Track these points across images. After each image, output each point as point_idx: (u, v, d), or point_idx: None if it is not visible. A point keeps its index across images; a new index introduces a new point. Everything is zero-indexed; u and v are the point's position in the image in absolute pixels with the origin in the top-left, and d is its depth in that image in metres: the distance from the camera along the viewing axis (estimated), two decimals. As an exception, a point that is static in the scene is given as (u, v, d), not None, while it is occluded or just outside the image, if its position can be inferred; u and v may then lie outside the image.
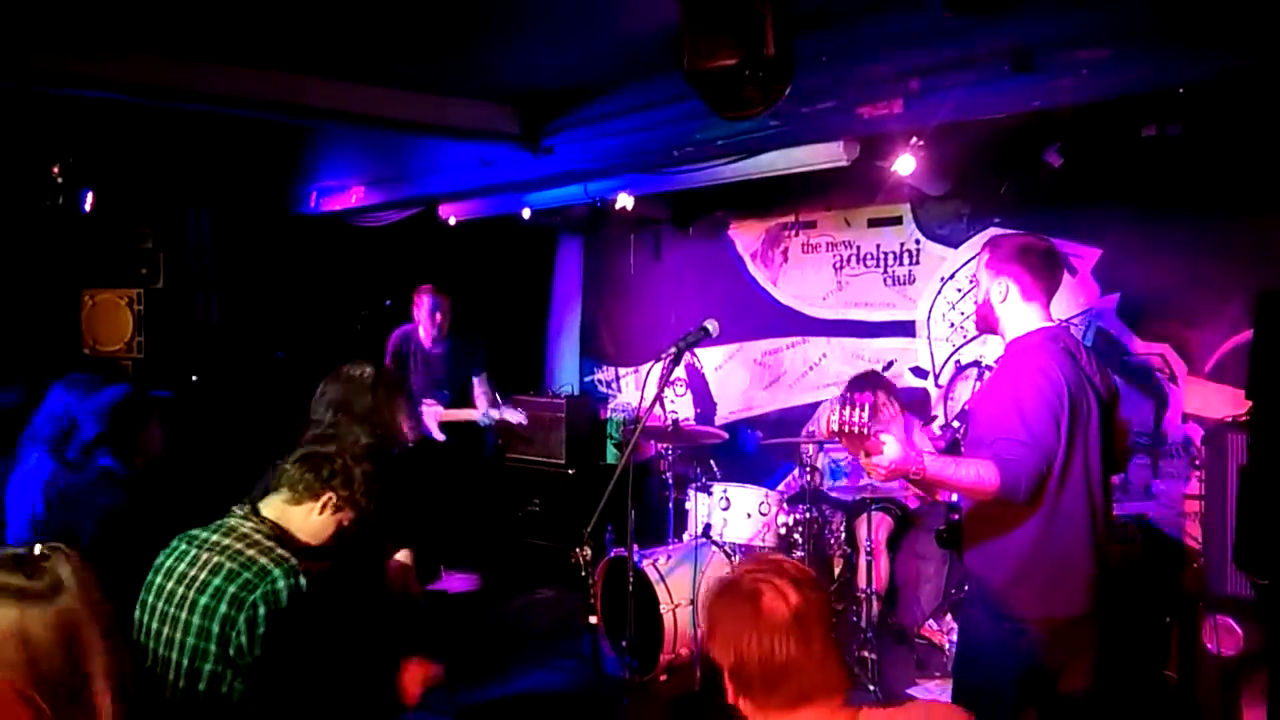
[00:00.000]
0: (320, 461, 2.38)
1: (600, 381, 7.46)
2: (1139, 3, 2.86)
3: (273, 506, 2.37)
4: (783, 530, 4.76)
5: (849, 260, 6.01)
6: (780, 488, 5.25)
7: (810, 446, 4.90)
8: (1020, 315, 2.69)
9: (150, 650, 2.18)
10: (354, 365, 2.96)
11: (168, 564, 2.27)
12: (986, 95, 3.23)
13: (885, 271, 5.85)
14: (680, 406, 6.68)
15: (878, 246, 5.88)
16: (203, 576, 2.18)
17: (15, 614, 1.34)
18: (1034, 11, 2.99)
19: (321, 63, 4.03)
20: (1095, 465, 2.59)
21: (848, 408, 2.36)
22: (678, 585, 4.37)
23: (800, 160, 4.30)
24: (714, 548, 4.61)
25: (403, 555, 3.09)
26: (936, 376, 5.62)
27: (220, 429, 5.45)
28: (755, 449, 6.28)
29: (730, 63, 2.66)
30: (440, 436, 5.73)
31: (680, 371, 6.76)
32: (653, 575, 4.37)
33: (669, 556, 4.57)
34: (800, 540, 4.73)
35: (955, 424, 2.82)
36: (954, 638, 4.15)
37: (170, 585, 2.21)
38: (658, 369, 3.16)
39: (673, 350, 3.25)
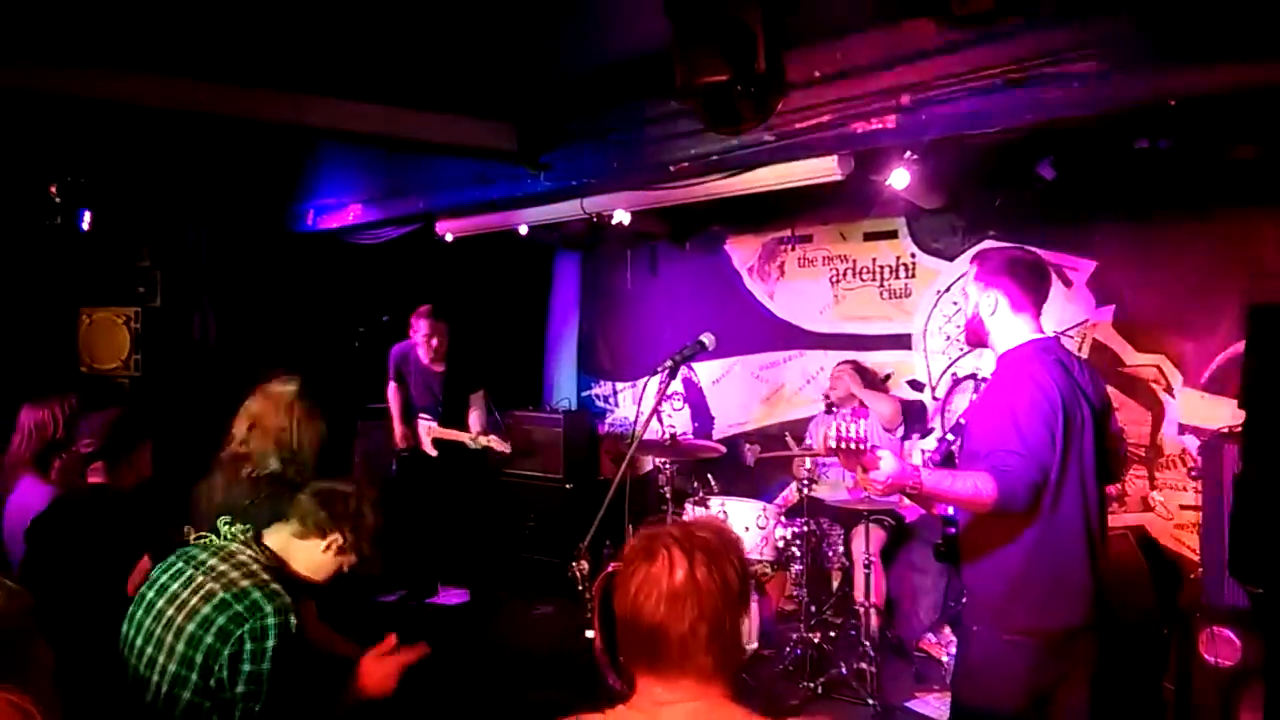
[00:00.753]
0: (336, 500, 2.36)
1: (598, 396, 7.46)
2: (1130, 17, 2.89)
3: (278, 537, 2.34)
4: (780, 543, 4.75)
5: (845, 274, 6.03)
6: (778, 501, 5.25)
7: (805, 460, 4.90)
8: (1011, 327, 2.71)
9: (132, 667, 2.14)
10: (280, 381, 2.75)
11: (162, 580, 2.22)
12: (979, 109, 3.25)
13: (881, 285, 5.87)
14: (678, 421, 6.68)
15: (874, 260, 5.90)
16: (194, 602, 2.12)
17: None
18: (1026, 25, 3.02)
19: (320, 80, 4.05)
20: (1090, 475, 2.59)
21: (844, 424, 2.37)
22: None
23: (795, 175, 4.32)
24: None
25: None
26: (933, 389, 5.64)
27: (215, 447, 5.44)
28: (753, 463, 6.28)
29: (722, 78, 2.69)
30: (433, 452, 5.75)
31: (678, 385, 6.78)
32: (651, 590, 4.35)
33: (667, 571, 4.55)
34: (798, 553, 4.73)
35: (950, 436, 2.83)
36: (953, 650, 4.14)
37: (161, 604, 2.17)
38: (655, 383, 3.17)
39: (669, 364, 3.26)
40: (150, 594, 2.22)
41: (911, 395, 5.70)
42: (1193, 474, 4.55)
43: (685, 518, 1.37)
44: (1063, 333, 4.98)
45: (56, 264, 5.42)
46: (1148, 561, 4.12)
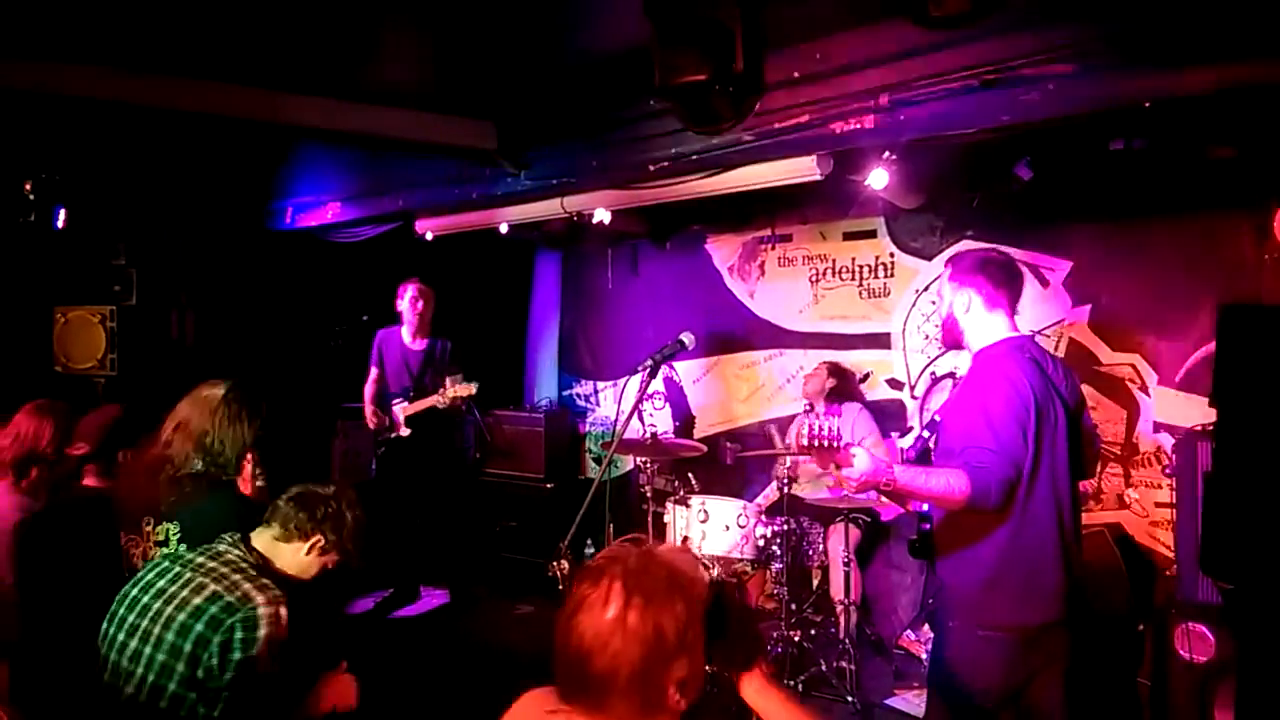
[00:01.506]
0: (315, 502, 2.40)
1: (579, 395, 7.46)
2: (1105, 19, 2.92)
3: (263, 540, 2.38)
4: (761, 542, 4.77)
5: (825, 273, 6.06)
6: (759, 500, 5.26)
7: (785, 459, 4.92)
8: (985, 326, 2.74)
9: (113, 663, 2.16)
10: (211, 384, 2.71)
11: (148, 578, 2.25)
12: (956, 110, 3.28)
13: (860, 284, 5.90)
14: (659, 420, 6.69)
15: (853, 260, 5.93)
16: (184, 594, 2.16)
17: None
18: (1002, 27, 3.05)
19: (298, 78, 4.03)
20: (1063, 472, 2.62)
21: (818, 422, 2.38)
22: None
23: (775, 174, 4.33)
24: (692, 561, 4.61)
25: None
26: (912, 388, 5.67)
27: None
28: (733, 461, 6.30)
29: (700, 77, 2.70)
30: (406, 431, 5.69)
31: (659, 384, 6.78)
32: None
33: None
34: (779, 552, 4.75)
35: (925, 434, 2.85)
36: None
37: (147, 599, 2.20)
38: (636, 382, 3.18)
39: (650, 363, 3.27)
40: (135, 591, 2.24)
41: (891, 394, 5.73)
42: (1167, 471, 4.60)
43: (661, 544, 1.33)
44: (1039, 332, 5.02)
45: (31, 262, 5.38)
46: (1123, 558, 4.15)
